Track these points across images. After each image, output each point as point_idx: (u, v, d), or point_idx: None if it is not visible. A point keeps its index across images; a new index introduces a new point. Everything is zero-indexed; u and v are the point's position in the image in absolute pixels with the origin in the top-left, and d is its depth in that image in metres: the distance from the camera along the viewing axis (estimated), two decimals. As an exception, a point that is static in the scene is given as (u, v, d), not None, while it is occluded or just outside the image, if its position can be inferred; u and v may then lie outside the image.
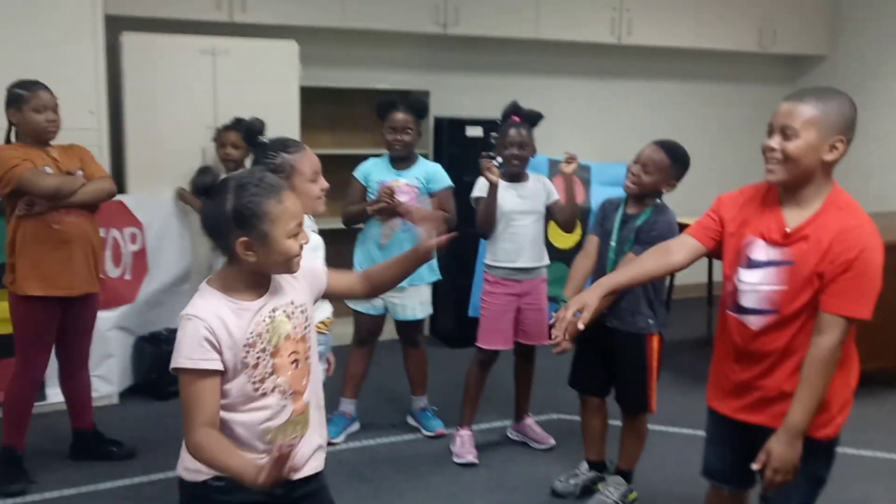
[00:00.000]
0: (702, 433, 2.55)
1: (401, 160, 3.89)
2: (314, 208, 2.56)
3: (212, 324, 1.77)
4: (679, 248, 2.40)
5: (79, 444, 3.70)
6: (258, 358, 1.83)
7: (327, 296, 2.11)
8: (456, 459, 3.73)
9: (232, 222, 1.78)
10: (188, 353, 1.77)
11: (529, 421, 3.98)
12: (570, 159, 3.55)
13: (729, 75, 6.71)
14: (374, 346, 4.05)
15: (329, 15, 5.08)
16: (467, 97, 5.77)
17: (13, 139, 3.39)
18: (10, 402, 3.43)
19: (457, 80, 5.78)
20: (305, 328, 1.94)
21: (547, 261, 3.81)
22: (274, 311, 1.86)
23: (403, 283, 3.77)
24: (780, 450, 2.11)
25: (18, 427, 3.43)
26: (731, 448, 2.41)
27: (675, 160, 3.12)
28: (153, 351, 4.40)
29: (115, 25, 4.34)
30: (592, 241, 3.29)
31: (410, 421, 4.13)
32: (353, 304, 3.90)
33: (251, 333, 1.81)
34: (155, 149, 4.47)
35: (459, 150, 5.25)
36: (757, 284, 2.20)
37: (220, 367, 1.78)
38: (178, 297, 4.58)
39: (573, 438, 3.80)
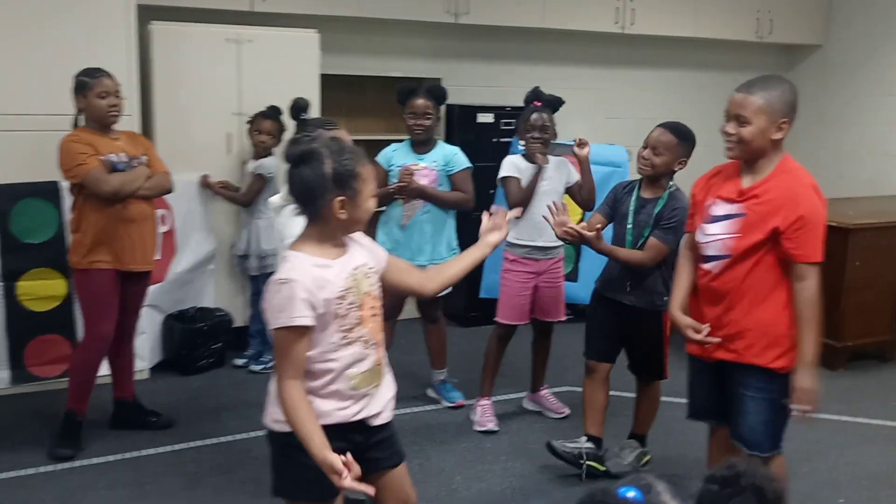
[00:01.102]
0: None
1: (421, 144, 4.07)
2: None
3: (307, 284, 1.98)
4: (691, 247, 2.83)
5: (119, 413, 3.90)
6: (348, 309, 2.04)
7: (384, 282, 2.23)
8: (477, 427, 3.94)
9: (331, 183, 1.99)
10: (288, 313, 1.97)
11: (545, 392, 4.20)
12: (583, 143, 3.75)
13: (727, 63, 6.90)
14: (395, 323, 4.24)
15: (345, 4, 5.25)
16: (478, 84, 5.95)
17: (80, 124, 3.59)
18: (78, 368, 3.64)
19: (468, 67, 5.96)
20: (379, 287, 2.17)
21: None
22: (356, 269, 2.09)
23: (423, 262, 4.01)
24: (804, 383, 2.55)
25: (83, 393, 3.63)
26: (712, 389, 2.79)
27: (682, 139, 3.25)
28: (181, 328, 4.59)
29: (144, 15, 4.50)
30: (596, 218, 3.46)
31: (431, 393, 4.34)
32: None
33: (342, 288, 2.03)
34: (182, 134, 4.63)
35: (471, 135, 5.44)
36: (717, 235, 2.62)
37: (313, 322, 1.99)
38: (204, 276, 4.79)
39: (581, 411, 4.00)
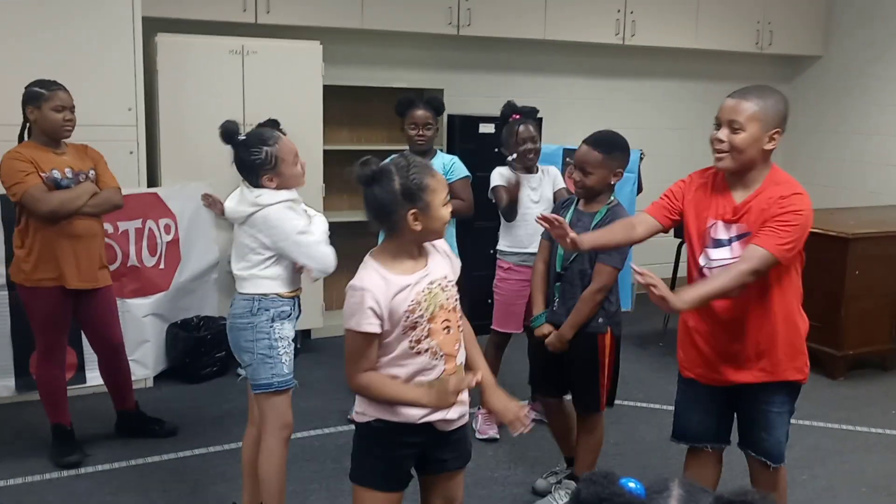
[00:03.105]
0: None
1: (421, 154, 4.11)
2: (298, 184, 2.86)
3: (377, 294, 2.08)
4: (640, 224, 2.74)
5: (123, 423, 3.93)
6: (416, 322, 2.12)
7: None
8: (479, 436, 3.96)
9: (401, 198, 2.09)
10: (357, 319, 2.09)
11: None
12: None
13: (727, 74, 6.94)
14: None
15: (348, 17, 5.30)
16: (479, 95, 6.00)
17: (26, 137, 3.52)
18: (42, 385, 3.66)
19: (469, 78, 6.01)
20: (456, 299, 2.23)
21: None
22: (431, 283, 2.16)
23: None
24: (664, 293, 2.29)
25: (57, 406, 3.64)
26: (712, 412, 2.72)
27: (607, 151, 3.05)
28: (185, 337, 4.62)
29: (150, 27, 4.55)
30: (543, 245, 3.29)
31: (432, 402, 4.37)
32: None
33: (412, 301, 2.11)
34: (187, 143, 4.68)
35: (472, 146, 5.48)
36: (728, 259, 2.51)
37: (379, 330, 2.10)
38: (207, 285, 4.82)
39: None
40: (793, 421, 2.73)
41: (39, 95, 3.43)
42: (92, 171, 3.57)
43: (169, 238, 4.57)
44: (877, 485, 3.62)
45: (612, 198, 3.14)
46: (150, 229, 4.47)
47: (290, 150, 2.82)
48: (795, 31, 6.81)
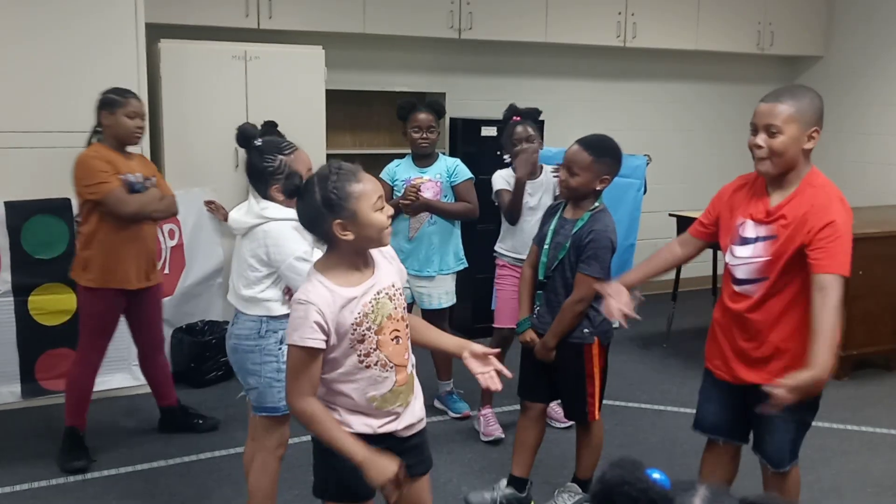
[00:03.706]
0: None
1: (423, 158, 4.13)
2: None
3: (322, 308, 2.00)
4: (683, 245, 2.80)
5: (167, 419, 4.02)
6: (364, 335, 2.06)
7: None
8: (483, 438, 3.97)
9: (324, 209, 2.00)
10: (300, 333, 2.00)
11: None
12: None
13: (729, 76, 6.97)
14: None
15: (350, 21, 5.31)
16: (481, 98, 6.02)
17: (94, 141, 3.63)
18: (73, 385, 3.67)
19: (471, 82, 6.02)
20: (403, 308, 2.17)
21: None
22: (378, 293, 2.09)
23: (432, 272, 4.08)
24: (806, 385, 2.29)
25: (80, 409, 3.67)
26: (727, 407, 2.72)
27: (597, 155, 3.00)
28: (190, 341, 4.63)
29: (153, 33, 4.57)
30: (532, 251, 3.27)
31: (437, 404, 4.37)
32: None
33: (359, 314, 2.04)
34: (190, 149, 4.70)
35: (474, 149, 5.50)
36: (749, 258, 2.52)
37: (323, 346, 2.01)
38: (212, 290, 4.83)
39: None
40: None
41: (114, 102, 3.57)
42: (153, 179, 3.68)
43: (173, 243, 4.58)
44: (883, 484, 3.62)
45: (597, 203, 3.06)
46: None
47: (304, 163, 2.73)
48: (796, 32, 6.82)
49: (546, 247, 3.13)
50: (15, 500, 3.36)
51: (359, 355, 2.07)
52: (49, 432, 3.94)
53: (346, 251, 2.07)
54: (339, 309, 2.02)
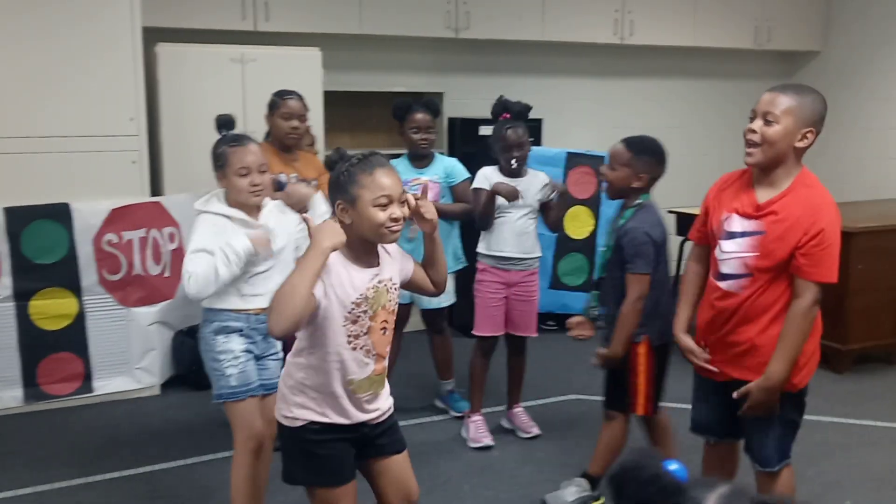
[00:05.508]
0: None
1: (421, 158, 4.12)
2: (244, 200, 2.81)
3: (332, 272, 2.09)
4: (699, 259, 2.80)
5: None
6: (358, 317, 2.13)
7: (407, 286, 2.36)
8: (472, 444, 3.89)
9: (335, 188, 2.14)
10: None
11: (517, 410, 4.09)
12: (556, 188, 3.86)
13: (726, 72, 6.97)
14: (402, 333, 4.27)
15: (347, 22, 5.33)
16: (479, 98, 5.99)
17: (264, 141, 3.77)
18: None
19: (469, 81, 6.03)
20: (396, 303, 2.25)
21: (538, 253, 3.93)
22: (380, 282, 2.17)
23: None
24: (757, 394, 2.49)
25: None
26: (715, 405, 2.73)
27: (637, 152, 3.05)
28: (192, 344, 4.62)
29: (150, 36, 4.58)
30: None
31: (438, 404, 4.37)
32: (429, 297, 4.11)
33: (360, 295, 2.12)
34: (189, 152, 4.69)
35: (472, 149, 5.49)
36: (734, 252, 2.54)
37: (316, 300, 2.06)
38: (212, 292, 4.83)
39: (590, 418, 4.05)
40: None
41: (273, 104, 3.74)
42: (315, 181, 3.65)
43: (173, 246, 4.58)
44: (884, 478, 3.62)
45: (640, 200, 3.08)
46: (153, 238, 4.49)
47: (240, 160, 2.78)
48: (794, 27, 6.82)
49: (603, 248, 3.22)
50: (18, 505, 3.37)
51: (348, 336, 2.14)
52: (51, 436, 3.96)
53: (351, 234, 2.13)
54: (343, 282, 2.10)
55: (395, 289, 2.24)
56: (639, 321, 3.04)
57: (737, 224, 2.54)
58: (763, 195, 2.51)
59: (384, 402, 2.33)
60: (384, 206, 2.09)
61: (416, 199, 2.20)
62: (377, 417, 2.30)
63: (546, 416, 4.19)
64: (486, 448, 3.87)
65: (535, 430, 4.01)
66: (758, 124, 2.46)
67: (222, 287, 2.78)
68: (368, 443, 2.30)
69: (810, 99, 2.46)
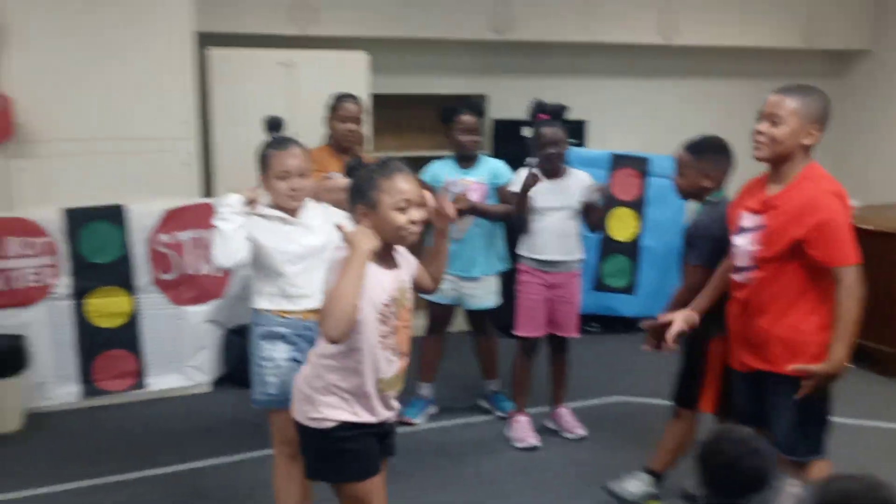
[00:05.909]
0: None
1: (466, 160, 4.16)
2: (283, 203, 2.83)
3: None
4: (729, 257, 2.88)
5: None
6: (388, 317, 2.21)
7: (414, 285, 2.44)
8: (517, 444, 3.91)
9: (354, 193, 2.22)
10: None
11: (562, 411, 4.11)
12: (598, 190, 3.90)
13: (774, 72, 6.85)
14: (446, 333, 4.32)
15: (393, 25, 5.38)
16: (523, 99, 5.99)
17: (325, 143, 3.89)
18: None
19: (512, 83, 6.04)
20: (412, 300, 2.35)
21: (580, 255, 3.95)
22: (401, 282, 2.27)
23: (477, 273, 4.10)
24: (818, 378, 2.56)
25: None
26: (744, 395, 2.85)
27: (698, 154, 3.11)
28: (241, 343, 4.72)
29: (202, 41, 4.69)
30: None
31: (483, 404, 4.40)
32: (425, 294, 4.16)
33: (389, 297, 2.20)
34: (239, 154, 4.76)
35: (517, 149, 5.50)
36: (744, 246, 2.71)
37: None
38: (261, 292, 4.92)
39: (634, 420, 4.04)
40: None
41: (332, 107, 3.86)
42: None
43: (223, 246, 4.68)
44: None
45: (711, 197, 3.11)
46: (204, 238, 4.59)
47: (279, 163, 2.77)
48: (843, 25, 6.69)
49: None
50: (76, 496, 3.48)
51: (380, 336, 2.21)
52: (106, 432, 4.07)
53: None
54: (375, 284, 2.17)
55: (410, 289, 2.34)
56: (682, 307, 3.02)
57: (747, 220, 2.72)
58: (772, 190, 2.68)
59: (397, 404, 2.41)
60: (403, 210, 2.18)
61: (438, 199, 2.32)
62: (393, 416, 2.39)
63: (590, 417, 4.19)
64: (532, 448, 3.89)
65: (581, 432, 4.02)
66: (764, 125, 2.63)
67: (260, 286, 2.82)
68: (379, 440, 2.38)
69: (812, 99, 2.61)
